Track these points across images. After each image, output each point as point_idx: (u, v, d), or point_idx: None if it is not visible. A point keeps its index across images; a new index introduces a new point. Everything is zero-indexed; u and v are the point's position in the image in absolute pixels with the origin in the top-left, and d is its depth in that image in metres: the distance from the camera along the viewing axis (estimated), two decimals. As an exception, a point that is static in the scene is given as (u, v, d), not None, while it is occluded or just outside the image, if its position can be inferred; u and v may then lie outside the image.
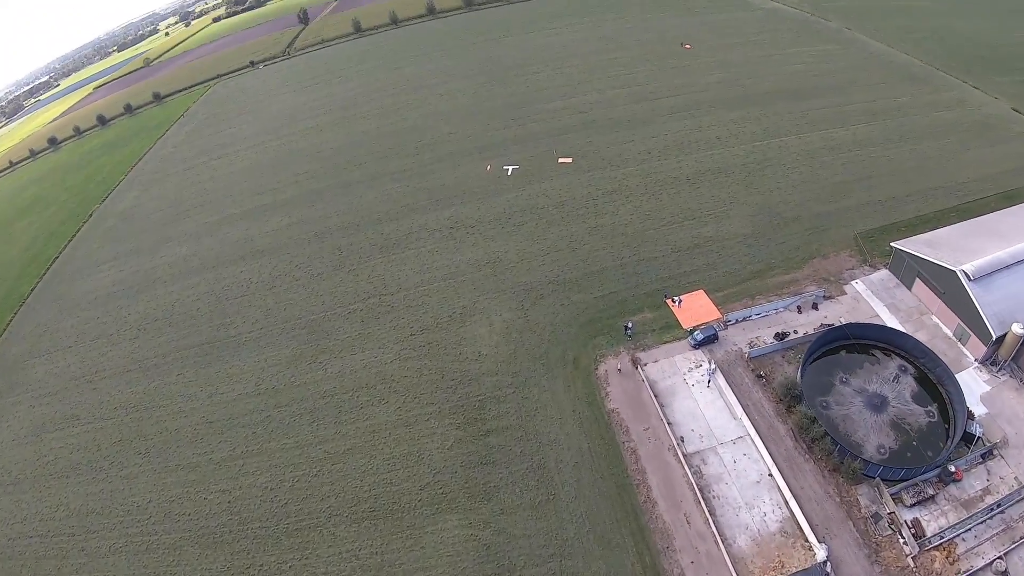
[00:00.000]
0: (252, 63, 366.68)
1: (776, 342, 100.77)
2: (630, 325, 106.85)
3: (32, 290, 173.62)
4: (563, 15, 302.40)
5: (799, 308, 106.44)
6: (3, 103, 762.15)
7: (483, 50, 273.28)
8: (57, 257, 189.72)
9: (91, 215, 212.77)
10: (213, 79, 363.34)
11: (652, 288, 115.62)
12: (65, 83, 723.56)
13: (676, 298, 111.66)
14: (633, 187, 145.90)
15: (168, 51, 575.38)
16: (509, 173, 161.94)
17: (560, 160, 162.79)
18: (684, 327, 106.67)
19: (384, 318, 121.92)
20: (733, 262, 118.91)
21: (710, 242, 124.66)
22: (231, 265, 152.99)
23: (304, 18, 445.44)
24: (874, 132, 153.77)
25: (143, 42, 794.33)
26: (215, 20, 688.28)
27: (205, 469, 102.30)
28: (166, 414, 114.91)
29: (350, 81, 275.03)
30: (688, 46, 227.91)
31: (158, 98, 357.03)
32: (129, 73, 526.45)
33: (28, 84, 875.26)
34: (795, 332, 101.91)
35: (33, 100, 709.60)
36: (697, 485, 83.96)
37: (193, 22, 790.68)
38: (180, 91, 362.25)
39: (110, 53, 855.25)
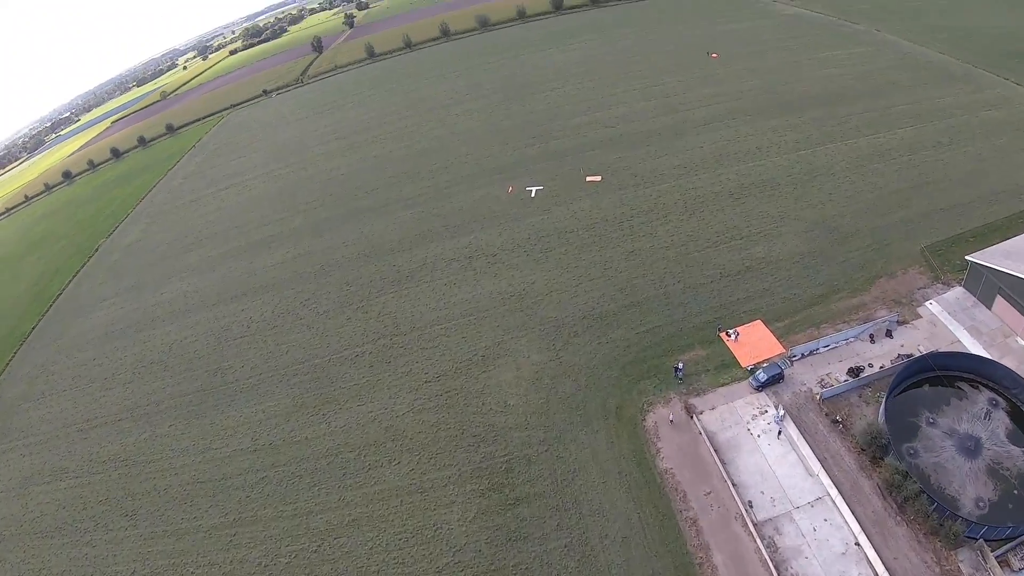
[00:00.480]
0: (265, 92, 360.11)
1: (851, 379, 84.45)
2: (680, 366, 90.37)
3: (33, 328, 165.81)
4: (579, 32, 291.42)
5: (871, 337, 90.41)
6: (26, 139, 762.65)
7: (500, 69, 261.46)
8: (60, 294, 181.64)
9: (97, 249, 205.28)
10: (226, 109, 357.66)
11: (702, 320, 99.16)
12: (85, 118, 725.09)
13: (731, 331, 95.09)
14: (671, 205, 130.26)
15: (184, 84, 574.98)
16: (533, 195, 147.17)
17: (588, 178, 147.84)
18: (743, 365, 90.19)
19: (396, 362, 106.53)
20: (792, 286, 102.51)
21: (763, 264, 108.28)
22: (232, 302, 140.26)
23: (318, 47, 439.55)
24: (923, 135, 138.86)
25: (161, 77, 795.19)
26: (232, 53, 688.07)
27: (194, 537, 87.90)
28: (156, 470, 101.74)
29: (362, 106, 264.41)
30: (715, 55, 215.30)
31: (171, 130, 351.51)
32: (146, 107, 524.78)
33: (50, 120, 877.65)
34: (870, 366, 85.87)
35: (54, 135, 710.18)
36: (772, 562, 67.65)
37: (211, 56, 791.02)
38: (193, 122, 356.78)
39: (129, 88, 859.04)
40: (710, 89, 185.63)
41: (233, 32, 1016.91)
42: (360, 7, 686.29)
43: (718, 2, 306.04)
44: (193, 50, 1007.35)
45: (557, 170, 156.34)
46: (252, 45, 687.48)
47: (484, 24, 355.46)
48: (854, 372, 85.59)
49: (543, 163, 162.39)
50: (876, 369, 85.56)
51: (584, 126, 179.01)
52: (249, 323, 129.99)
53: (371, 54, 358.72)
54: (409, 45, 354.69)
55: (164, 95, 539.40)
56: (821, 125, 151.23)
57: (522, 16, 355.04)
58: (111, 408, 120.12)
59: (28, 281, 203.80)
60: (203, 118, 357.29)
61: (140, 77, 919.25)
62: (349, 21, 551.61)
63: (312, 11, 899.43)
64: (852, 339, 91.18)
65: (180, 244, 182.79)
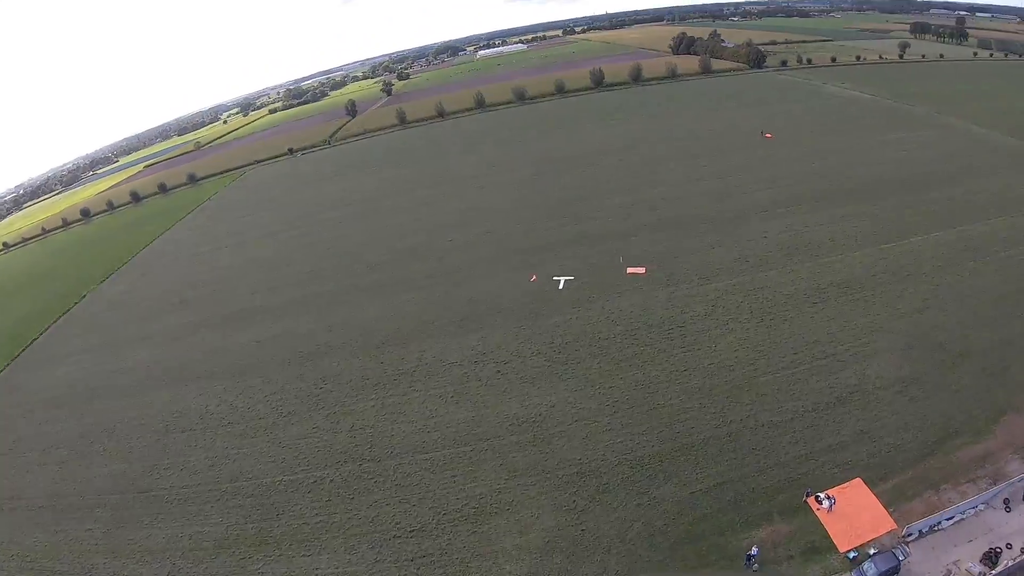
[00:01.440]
0: (290, 151, 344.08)
1: (987, 570, 57.35)
2: (755, 552, 60.82)
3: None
4: (620, 108, 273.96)
5: (1006, 502, 63.13)
6: (64, 173, 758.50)
7: (534, 142, 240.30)
8: (36, 339, 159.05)
9: (84, 296, 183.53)
10: (249, 165, 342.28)
11: (782, 476, 69.69)
12: (123, 160, 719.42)
13: (823, 496, 65.83)
14: (733, 309, 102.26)
15: (220, 137, 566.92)
16: (561, 286, 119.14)
17: (629, 270, 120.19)
18: (841, 550, 61.00)
19: (360, 500, 77.00)
20: (896, 427, 73.71)
21: (856, 394, 79.44)
22: (193, 383, 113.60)
23: (352, 110, 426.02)
24: (1017, 227, 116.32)
25: (202, 128, 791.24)
26: (271, 112, 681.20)
27: None
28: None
29: (384, 172, 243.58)
30: (769, 135, 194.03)
31: (192, 180, 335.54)
32: (179, 155, 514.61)
33: (92, 158, 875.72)
34: (1008, 547, 58.90)
35: (90, 172, 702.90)
36: None
37: (252, 112, 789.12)
38: (215, 174, 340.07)
39: (170, 136, 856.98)
40: (767, 172, 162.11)
41: (278, 93, 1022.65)
42: (401, 77, 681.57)
43: (765, 85, 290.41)
44: (237, 106, 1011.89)
45: (591, 258, 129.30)
46: (292, 106, 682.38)
47: (521, 98, 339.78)
48: (990, 558, 58.03)
49: (575, 248, 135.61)
50: (1018, 553, 58.35)
51: (625, 207, 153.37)
52: (203, 415, 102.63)
53: (402, 120, 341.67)
54: (442, 114, 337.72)
55: (198, 146, 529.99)
56: (899, 215, 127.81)
57: (561, 91, 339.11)
58: (35, 497, 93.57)
59: (13, 318, 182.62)
60: (225, 171, 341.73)
61: (182, 127, 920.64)
62: (387, 88, 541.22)
63: (355, 79, 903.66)
64: (981, 506, 63.39)
65: (161, 304, 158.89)
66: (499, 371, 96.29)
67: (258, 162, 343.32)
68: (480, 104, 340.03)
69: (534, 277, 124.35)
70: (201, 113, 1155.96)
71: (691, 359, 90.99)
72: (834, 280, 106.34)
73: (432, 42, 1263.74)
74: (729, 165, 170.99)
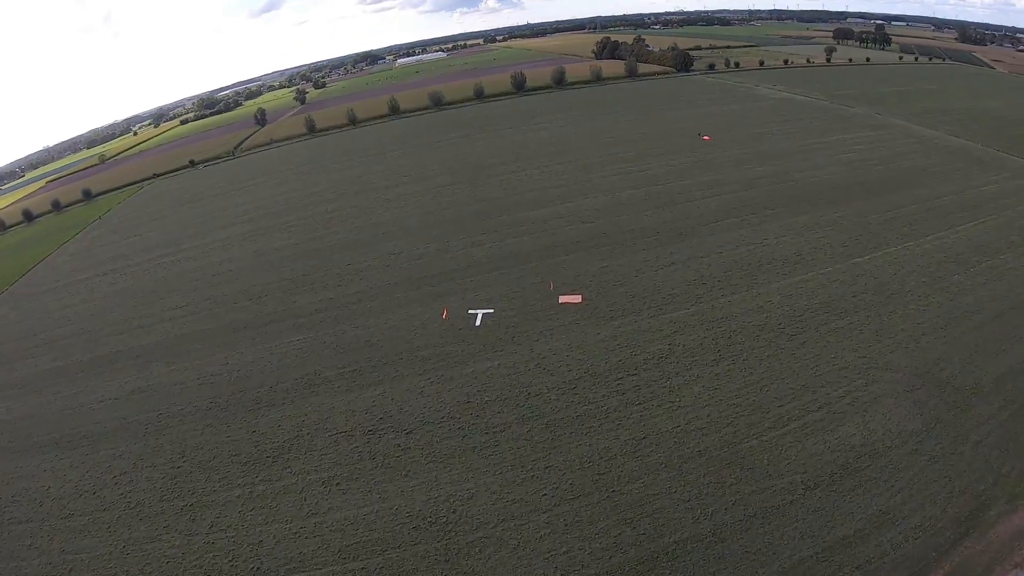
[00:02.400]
0: (192, 163, 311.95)
1: None
2: None
3: None
4: (544, 112, 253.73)
5: None
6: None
7: (449, 148, 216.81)
8: None
9: None
10: (149, 179, 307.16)
11: (786, 589, 50.20)
12: (31, 174, 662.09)
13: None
14: (695, 346, 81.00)
15: (128, 149, 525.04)
16: (479, 322, 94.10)
17: (562, 299, 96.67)
18: None
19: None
20: (921, 501, 55.46)
21: (864, 459, 60.28)
22: (38, 453, 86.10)
23: (261, 119, 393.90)
24: (988, 233, 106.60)
25: (112, 141, 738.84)
26: (183, 122, 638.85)
27: None
28: None
29: (283, 185, 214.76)
30: (707, 137, 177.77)
31: (88, 196, 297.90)
32: (81, 170, 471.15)
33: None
34: None
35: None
36: None
37: (163, 124, 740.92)
38: (113, 190, 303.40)
39: (80, 149, 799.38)
40: (710, 176, 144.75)
41: (193, 103, 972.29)
42: (317, 86, 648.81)
43: (694, 88, 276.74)
44: (151, 118, 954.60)
45: (516, 283, 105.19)
46: (205, 116, 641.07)
47: (437, 103, 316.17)
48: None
49: (495, 272, 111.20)
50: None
51: (554, 220, 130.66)
52: (43, 498, 76.14)
53: (311, 129, 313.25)
54: (353, 122, 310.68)
55: (103, 159, 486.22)
56: (865, 222, 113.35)
57: (480, 96, 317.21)
58: None
59: None
60: (123, 186, 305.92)
61: (92, 140, 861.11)
62: (300, 97, 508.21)
63: (271, 88, 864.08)
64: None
65: (22, 345, 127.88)
66: (400, 445, 71.36)
67: (157, 175, 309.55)
68: (395, 110, 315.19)
69: (446, 312, 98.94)
70: (115, 125, 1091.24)
71: (651, 421, 68.91)
72: (810, 304, 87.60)
73: (351, 52, 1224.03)
74: (667, 170, 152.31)
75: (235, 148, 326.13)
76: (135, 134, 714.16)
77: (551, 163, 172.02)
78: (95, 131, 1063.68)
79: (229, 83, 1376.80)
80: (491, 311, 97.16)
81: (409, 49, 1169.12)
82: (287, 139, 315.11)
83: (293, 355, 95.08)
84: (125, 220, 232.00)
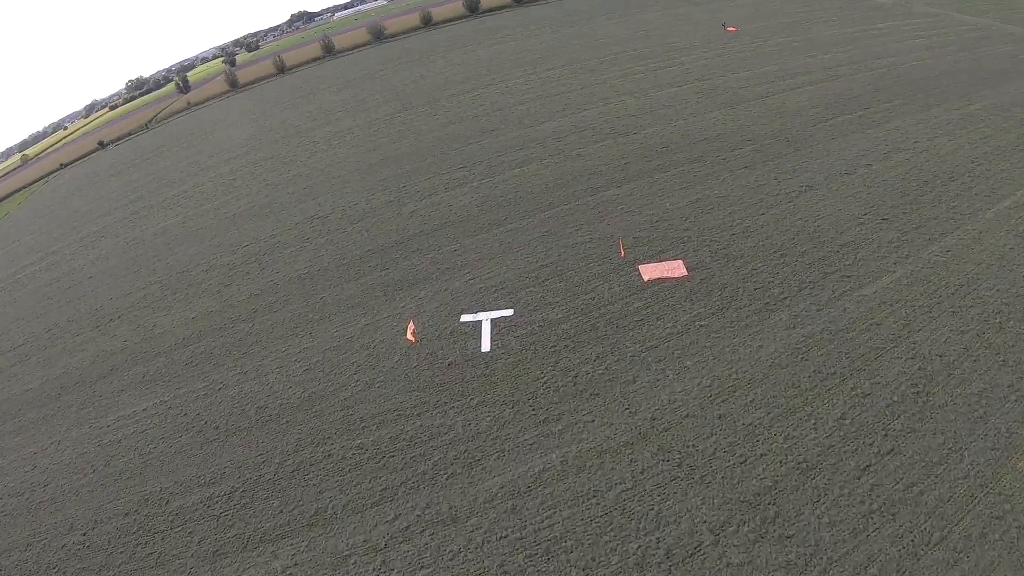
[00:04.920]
0: (100, 144, 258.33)
1: None
2: None
3: None
4: (511, 27, 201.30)
5: None
6: None
7: (395, 75, 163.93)
8: None
9: None
10: (55, 171, 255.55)
11: None
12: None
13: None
14: (955, 355, 32.37)
15: (52, 145, 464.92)
16: (486, 341, 42.11)
17: (646, 271, 46.07)
18: None
19: None
20: None
21: None
22: None
23: (184, 87, 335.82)
24: None
25: (42, 141, 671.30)
26: (112, 108, 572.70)
27: None
28: None
29: (189, 148, 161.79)
30: (732, 28, 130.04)
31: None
32: (3, 176, 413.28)
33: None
34: None
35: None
36: None
37: (94, 113, 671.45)
38: (20, 189, 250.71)
39: (12, 154, 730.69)
40: (772, 66, 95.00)
41: (126, 87, 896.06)
42: (250, 49, 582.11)
43: None
44: (86, 112, 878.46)
45: (541, 247, 53.44)
46: (134, 98, 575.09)
47: (378, 36, 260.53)
48: None
49: (497, 228, 59.03)
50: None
51: (570, 134, 79.42)
52: None
53: (233, 84, 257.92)
54: (282, 70, 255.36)
55: (25, 160, 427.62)
56: (1004, 116, 68.64)
57: (428, 23, 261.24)
58: None
59: None
60: (31, 184, 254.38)
61: (24, 142, 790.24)
62: (230, 60, 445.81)
63: (204, 60, 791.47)
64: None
65: None
66: None
67: (63, 165, 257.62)
68: (328, 50, 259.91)
69: (411, 329, 45.23)
70: (53, 125, 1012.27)
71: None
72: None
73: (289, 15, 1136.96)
74: (705, 63, 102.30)
75: (149, 121, 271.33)
76: (66, 129, 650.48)
77: (536, 70, 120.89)
78: (35, 135, 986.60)
79: (169, 63, 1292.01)
80: (509, 312, 45.27)
81: (348, 4, 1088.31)
82: (207, 100, 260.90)
83: (135, 438, 42.82)
84: (16, 224, 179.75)
